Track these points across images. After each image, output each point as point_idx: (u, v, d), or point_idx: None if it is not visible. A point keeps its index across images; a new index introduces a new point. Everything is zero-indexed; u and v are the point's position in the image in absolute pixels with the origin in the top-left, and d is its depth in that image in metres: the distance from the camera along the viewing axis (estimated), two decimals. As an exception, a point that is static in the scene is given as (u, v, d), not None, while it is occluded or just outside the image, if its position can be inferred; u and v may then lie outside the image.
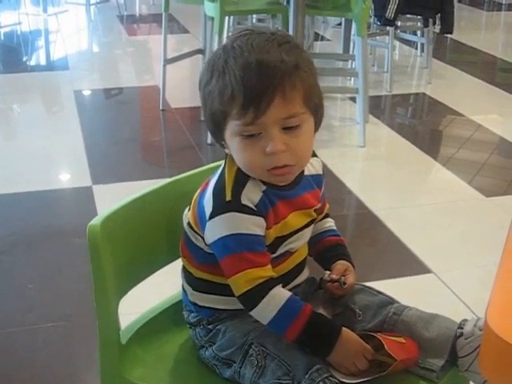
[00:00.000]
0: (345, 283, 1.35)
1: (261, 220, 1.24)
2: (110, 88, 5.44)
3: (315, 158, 1.39)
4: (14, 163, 3.92)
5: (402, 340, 1.27)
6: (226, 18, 4.92)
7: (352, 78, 5.25)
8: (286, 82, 1.19)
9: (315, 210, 1.38)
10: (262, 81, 1.18)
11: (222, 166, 1.31)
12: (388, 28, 5.27)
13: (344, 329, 1.25)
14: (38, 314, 2.48)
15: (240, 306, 1.29)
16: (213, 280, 1.33)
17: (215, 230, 1.25)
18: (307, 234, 1.38)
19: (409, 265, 2.93)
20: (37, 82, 5.61)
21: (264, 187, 1.27)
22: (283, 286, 1.30)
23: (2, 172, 3.78)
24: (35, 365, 2.24)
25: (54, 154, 4.07)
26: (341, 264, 1.40)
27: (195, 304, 1.37)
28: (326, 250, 1.44)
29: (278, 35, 1.25)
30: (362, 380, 1.22)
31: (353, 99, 4.86)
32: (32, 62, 6.52)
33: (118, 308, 1.34)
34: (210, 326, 1.34)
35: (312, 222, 1.39)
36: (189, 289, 1.38)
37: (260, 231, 1.24)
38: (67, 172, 3.97)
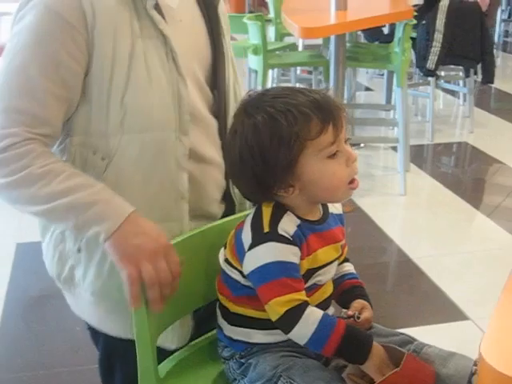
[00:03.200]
0: (358, 317, 1.43)
1: (296, 249, 1.34)
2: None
3: None
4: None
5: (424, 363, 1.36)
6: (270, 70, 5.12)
7: (394, 128, 5.34)
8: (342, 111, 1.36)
9: (341, 247, 1.47)
10: (330, 104, 1.34)
11: (256, 207, 1.42)
12: (429, 78, 5.35)
13: (374, 342, 1.34)
14: (84, 355, 2.58)
15: (271, 340, 1.39)
16: (247, 314, 1.42)
17: (255, 259, 1.35)
18: (333, 269, 1.47)
19: (447, 312, 2.97)
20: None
21: (299, 221, 1.37)
22: None
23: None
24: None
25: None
26: (357, 302, 1.48)
27: (230, 338, 1.45)
28: (346, 292, 1.52)
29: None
30: None
31: (394, 148, 4.93)
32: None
33: (156, 343, 1.42)
34: (242, 360, 1.42)
35: (339, 257, 1.48)
36: (224, 324, 1.47)
37: (296, 260, 1.34)
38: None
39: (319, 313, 1.33)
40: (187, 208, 1.49)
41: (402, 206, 4.32)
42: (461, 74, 5.90)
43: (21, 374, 2.56)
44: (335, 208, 1.49)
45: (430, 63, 5.06)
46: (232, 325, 1.44)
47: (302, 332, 1.32)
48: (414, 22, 4.29)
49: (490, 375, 0.82)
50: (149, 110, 1.41)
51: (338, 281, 1.54)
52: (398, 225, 4.07)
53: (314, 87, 5.07)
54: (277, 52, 4.77)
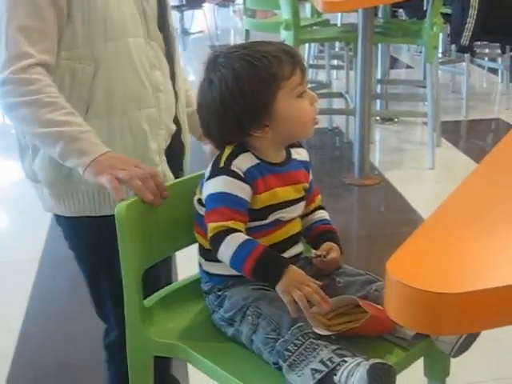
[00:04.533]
0: (325, 257, 1.57)
1: (246, 186, 1.50)
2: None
3: (301, 148, 1.65)
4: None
5: (379, 306, 1.45)
6: (306, 45, 5.21)
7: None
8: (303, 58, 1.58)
9: (304, 190, 1.62)
10: (295, 51, 1.55)
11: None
12: (465, 55, 5.38)
13: (292, 265, 1.46)
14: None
15: None
16: None
17: (207, 189, 1.52)
18: (298, 208, 1.61)
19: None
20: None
21: (257, 161, 1.53)
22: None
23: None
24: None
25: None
26: (326, 244, 1.61)
27: (207, 273, 1.61)
28: (318, 236, 1.66)
29: None
30: (337, 331, 1.40)
31: (427, 124, 5.00)
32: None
33: (140, 276, 1.58)
34: (219, 293, 1.57)
35: (302, 198, 1.61)
36: (201, 260, 1.62)
37: (243, 195, 1.49)
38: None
39: (241, 239, 1.47)
40: (164, 99, 1.74)
41: (430, 179, 4.40)
42: (498, 50, 5.91)
43: (55, 326, 2.75)
44: (299, 155, 1.63)
45: (464, 39, 5.08)
46: (207, 260, 1.59)
47: (225, 254, 1.47)
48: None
49: (394, 287, 0.94)
50: (122, 19, 1.65)
51: (311, 226, 1.68)
52: (424, 197, 4.14)
53: (345, 63, 5.16)
54: (309, 28, 4.86)
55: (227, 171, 1.50)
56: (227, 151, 1.53)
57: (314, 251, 1.63)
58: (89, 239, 1.77)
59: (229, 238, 1.46)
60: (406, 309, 0.95)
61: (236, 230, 1.47)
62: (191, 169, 1.85)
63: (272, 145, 1.55)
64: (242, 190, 1.50)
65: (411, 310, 0.95)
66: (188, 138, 1.89)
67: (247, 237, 1.48)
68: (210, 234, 1.49)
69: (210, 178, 1.52)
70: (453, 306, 0.93)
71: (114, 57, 1.64)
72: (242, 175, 1.50)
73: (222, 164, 1.52)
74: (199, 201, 1.57)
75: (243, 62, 1.48)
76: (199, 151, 1.92)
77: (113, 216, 1.51)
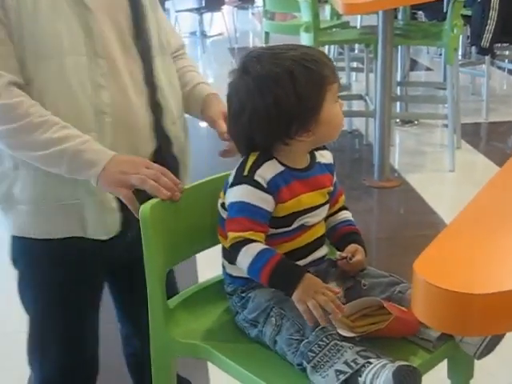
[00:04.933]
0: (351, 259, 1.57)
1: (268, 197, 1.49)
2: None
3: (326, 151, 1.64)
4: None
5: (403, 308, 1.45)
6: (326, 47, 5.22)
7: (448, 106, 5.38)
8: None
9: (329, 194, 1.61)
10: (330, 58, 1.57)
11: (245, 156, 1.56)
12: (486, 57, 5.36)
13: (308, 274, 1.46)
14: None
15: None
16: None
17: (230, 196, 1.52)
18: (322, 212, 1.61)
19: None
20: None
21: (282, 168, 1.52)
22: (303, 258, 1.56)
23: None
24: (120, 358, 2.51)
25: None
26: (351, 246, 1.61)
27: (230, 275, 1.61)
28: (342, 237, 1.66)
29: None
30: (361, 333, 1.41)
31: (447, 126, 4.98)
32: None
33: (164, 277, 1.58)
34: (243, 294, 1.57)
35: (326, 202, 1.61)
36: (225, 262, 1.62)
37: (264, 205, 1.49)
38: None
39: (258, 248, 1.47)
40: (110, 121, 1.58)
41: (450, 182, 4.39)
42: (518, 52, 5.89)
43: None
44: (324, 158, 1.62)
45: (484, 41, 5.07)
46: (231, 263, 1.58)
47: (242, 264, 1.48)
48: (464, -2, 4.31)
49: (422, 288, 0.94)
50: (56, 36, 1.52)
51: (335, 227, 1.68)
52: (445, 200, 4.13)
53: (365, 65, 5.15)
54: (328, 30, 4.86)
55: (250, 180, 1.49)
56: (252, 158, 1.52)
57: (338, 253, 1.63)
58: (35, 264, 1.71)
59: (245, 248, 1.47)
60: (433, 309, 0.95)
61: (254, 241, 1.48)
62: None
63: (304, 150, 1.55)
64: (264, 201, 1.49)
65: (438, 311, 0.95)
66: (186, 153, 1.80)
67: (264, 246, 1.48)
68: (228, 244, 1.50)
69: (233, 185, 1.52)
70: (480, 306, 0.93)
71: (45, 78, 1.53)
72: (265, 185, 1.49)
73: (245, 172, 1.51)
74: (223, 205, 1.57)
75: (296, 64, 1.45)
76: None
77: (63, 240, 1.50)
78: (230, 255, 1.52)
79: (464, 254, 1.05)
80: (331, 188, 1.63)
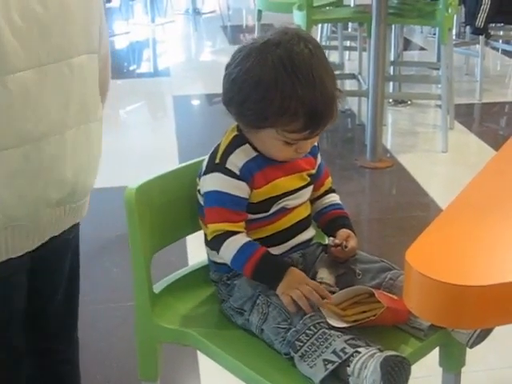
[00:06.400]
0: (346, 247, 1.53)
1: (242, 184, 1.47)
2: (208, 94, 5.70)
3: None
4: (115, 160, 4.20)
5: (394, 297, 1.42)
6: (319, 25, 5.15)
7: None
8: (334, 111, 1.45)
9: (310, 176, 1.57)
10: (324, 109, 1.42)
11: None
12: (480, 37, 5.31)
13: (292, 267, 1.45)
14: (120, 293, 2.73)
15: None
16: None
17: (204, 185, 1.50)
18: (304, 194, 1.57)
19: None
20: (140, 87, 5.96)
21: (255, 153, 1.49)
22: (287, 240, 1.54)
23: (107, 167, 4.03)
24: (113, 339, 2.48)
25: (149, 154, 4.34)
26: (343, 231, 1.57)
27: (214, 262, 1.58)
28: (331, 221, 1.62)
29: (319, 52, 1.44)
30: (351, 324, 1.37)
31: (441, 107, 4.94)
32: (138, 69, 6.91)
33: (150, 262, 1.55)
34: (228, 282, 1.54)
35: (308, 184, 1.57)
36: (207, 249, 1.59)
37: (239, 193, 1.47)
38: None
39: (239, 243, 1.45)
40: None
41: (442, 162, 4.34)
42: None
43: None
44: None
45: (479, 21, 5.01)
46: (213, 249, 1.55)
47: (225, 256, 1.48)
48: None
49: (414, 279, 0.90)
50: None
51: (323, 211, 1.64)
52: (437, 181, 4.09)
53: (358, 44, 5.09)
54: (322, 9, 4.79)
55: (222, 169, 1.47)
56: (224, 144, 1.50)
57: (331, 239, 1.58)
58: None
59: (227, 242, 1.46)
60: (426, 301, 0.92)
61: (234, 233, 1.46)
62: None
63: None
64: (238, 188, 1.47)
65: (431, 303, 0.92)
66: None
67: (246, 239, 1.47)
68: (209, 237, 1.49)
69: (206, 173, 1.50)
70: (474, 299, 0.90)
71: None
72: (238, 172, 1.47)
73: (217, 160, 1.48)
74: (199, 191, 1.55)
75: (292, 77, 1.38)
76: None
77: None
78: (212, 249, 1.51)
79: (458, 244, 1.02)
80: (312, 171, 1.59)
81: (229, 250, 1.46)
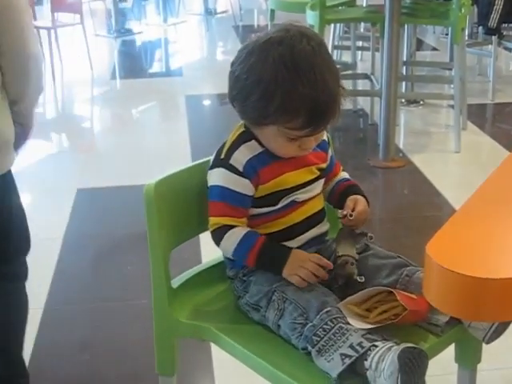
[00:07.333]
0: (351, 215, 1.53)
1: (245, 181, 1.48)
2: (220, 94, 5.71)
3: None
4: (126, 159, 4.22)
5: (413, 296, 1.42)
6: (332, 25, 5.15)
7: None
8: (336, 109, 1.44)
9: (321, 170, 1.58)
10: (326, 107, 1.42)
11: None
12: (492, 37, 5.30)
13: (294, 249, 1.48)
14: (134, 290, 2.74)
15: None
16: None
17: (209, 179, 1.53)
18: (315, 188, 1.58)
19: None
20: (153, 87, 5.98)
21: (261, 149, 1.50)
22: (300, 234, 1.55)
23: (120, 166, 4.07)
24: (127, 336, 2.49)
25: (162, 153, 4.36)
26: (350, 200, 1.58)
27: (229, 259, 1.59)
28: (341, 194, 1.64)
29: (322, 50, 1.44)
30: (374, 326, 1.37)
31: (453, 107, 4.94)
32: (151, 69, 6.93)
33: (168, 257, 1.57)
34: (244, 278, 1.56)
35: (318, 178, 1.58)
36: None
37: (242, 190, 1.49)
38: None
39: (239, 235, 1.48)
40: None
41: (455, 163, 4.34)
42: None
43: (78, 305, 2.74)
44: None
45: (492, 21, 5.01)
46: (214, 242, 1.56)
47: (226, 249, 1.52)
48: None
49: (435, 272, 0.91)
50: None
51: (334, 188, 1.66)
52: (450, 181, 4.09)
53: (371, 44, 5.09)
54: (335, 9, 4.80)
55: (226, 164, 1.49)
56: (230, 140, 1.52)
57: (339, 211, 1.58)
58: None
59: (228, 234, 1.49)
60: (446, 293, 0.93)
61: (233, 227, 1.49)
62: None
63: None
64: (241, 185, 1.49)
65: (451, 295, 0.92)
66: None
67: (245, 231, 1.49)
68: (210, 229, 1.51)
69: (211, 167, 1.53)
70: (494, 291, 0.90)
71: None
72: (241, 169, 1.48)
73: (222, 155, 1.51)
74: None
75: (293, 77, 1.39)
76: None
77: None
78: (213, 240, 1.53)
79: (477, 237, 1.02)
80: (323, 165, 1.60)
81: (230, 242, 1.49)
